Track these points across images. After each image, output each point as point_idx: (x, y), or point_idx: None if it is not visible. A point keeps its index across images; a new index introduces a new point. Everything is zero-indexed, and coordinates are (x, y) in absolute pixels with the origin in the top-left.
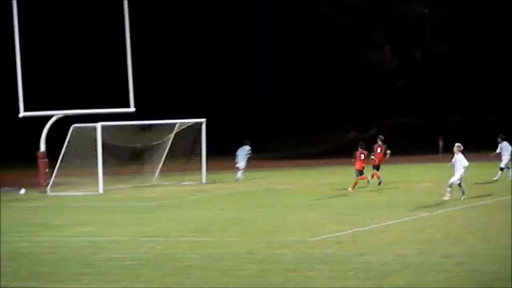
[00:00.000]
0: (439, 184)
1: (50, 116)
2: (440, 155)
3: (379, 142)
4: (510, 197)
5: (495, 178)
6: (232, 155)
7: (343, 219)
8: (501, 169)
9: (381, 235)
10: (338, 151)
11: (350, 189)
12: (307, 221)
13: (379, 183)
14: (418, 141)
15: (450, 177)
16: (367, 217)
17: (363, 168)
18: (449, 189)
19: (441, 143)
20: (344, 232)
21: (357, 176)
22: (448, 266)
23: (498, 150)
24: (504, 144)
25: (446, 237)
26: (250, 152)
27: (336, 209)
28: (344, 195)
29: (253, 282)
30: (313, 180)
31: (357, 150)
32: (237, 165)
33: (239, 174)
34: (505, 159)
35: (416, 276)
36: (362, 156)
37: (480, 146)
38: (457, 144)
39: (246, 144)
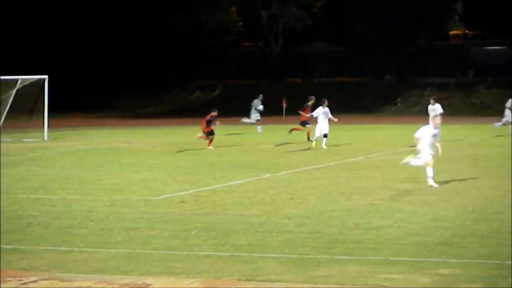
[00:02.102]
0: (281, 146)
1: None
2: (283, 117)
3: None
4: (354, 159)
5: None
6: (75, 112)
7: (186, 179)
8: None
9: (223, 195)
10: (183, 110)
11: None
12: (150, 180)
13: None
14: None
15: (292, 139)
16: (211, 177)
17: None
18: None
19: (284, 105)
20: (187, 191)
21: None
22: (290, 227)
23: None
24: (437, 106)
25: (288, 198)
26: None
27: (179, 169)
28: (189, 154)
29: (94, 240)
30: (157, 139)
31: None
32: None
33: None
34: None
35: (257, 236)
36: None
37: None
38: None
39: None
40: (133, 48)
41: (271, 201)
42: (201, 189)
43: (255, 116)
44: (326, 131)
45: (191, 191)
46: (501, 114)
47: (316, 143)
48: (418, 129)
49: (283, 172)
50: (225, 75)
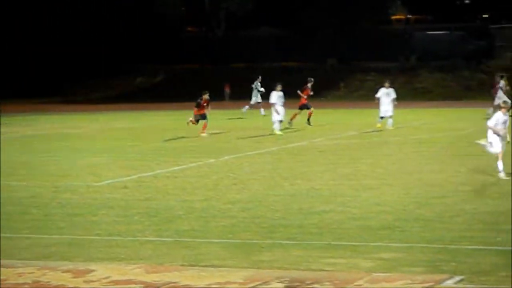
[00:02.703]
0: (227, 131)
1: None
2: (227, 101)
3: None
4: (297, 144)
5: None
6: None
7: (129, 164)
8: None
9: (166, 180)
10: (128, 96)
11: None
12: (95, 166)
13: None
14: (206, 87)
15: (235, 124)
16: (154, 163)
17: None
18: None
19: (227, 91)
20: (130, 177)
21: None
22: (233, 212)
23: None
24: (390, 90)
25: (231, 184)
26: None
27: (123, 154)
28: (134, 140)
29: (38, 226)
30: (102, 125)
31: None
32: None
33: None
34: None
35: (200, 222)
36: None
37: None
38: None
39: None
40: (81, 35)
41: (214, 187)
42: (144, 174)
43: (255, 98)
44: (282, 116)
45: (134, 176)
46: (442, 98)
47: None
48: (361, 113)
49: (226, 157)
50: (168, 60)
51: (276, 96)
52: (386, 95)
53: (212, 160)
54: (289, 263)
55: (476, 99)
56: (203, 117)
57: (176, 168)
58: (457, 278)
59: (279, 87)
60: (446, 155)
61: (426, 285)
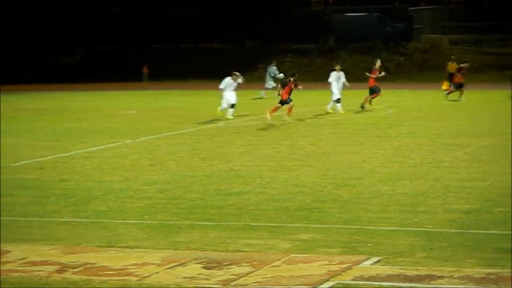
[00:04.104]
0: (142, 111)
1: None
2: (145, 83)
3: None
4: (215, 125)
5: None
6: None
7: (45, 145)
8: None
9: (83, 161)
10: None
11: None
12: (11, 146)
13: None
14: (124, 68)
15: (154, 104)
16: (70, 143)
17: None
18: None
19: (146, 71)
20: (46, 158)
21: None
22: (150, 193)
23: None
24: (341, 74)
25: (148, 164)
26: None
27: (38, 135)
28: (46, 120)
29: None
30: (21, 105)
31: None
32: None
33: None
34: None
35: (118, 203)
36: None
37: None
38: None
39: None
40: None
41: (131, 167)
42: (60, 155)
43: (271, 83)
44: (234, 100)
45: (50, 157)
46: (361, 79)
47: (222, 112)
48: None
49: (143, 138)
50: (88, 41)
51: (229, 82)
52: (337, 79)
53: (129, 141)
54: (207, 244)
55: (394, 81)
56: (288, 100)
57: (93, 148)
58: (374, 259)
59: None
60: (364, 137)
61: (344, 266)
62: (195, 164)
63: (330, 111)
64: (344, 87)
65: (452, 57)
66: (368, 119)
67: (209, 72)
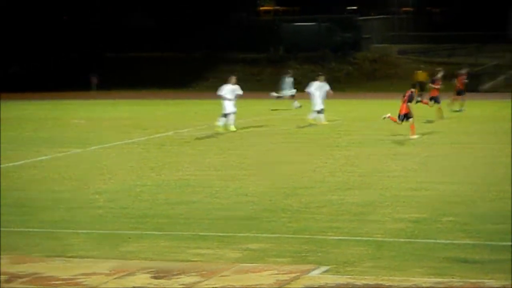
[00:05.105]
0: (92, 121)
1: None
2: (94, 92)
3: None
4: (164, 134)
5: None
6: None
7: None
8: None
9: (33, 170)
10: None
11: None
12: None
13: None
14: (73, 77)
15: (103, 114)
16: (20, 153)
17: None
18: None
19: (95, 81)
20: None
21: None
22: (100, 202)
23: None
24: (324, 83)
25: (98, 174)
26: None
27: None
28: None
29: None
30: None
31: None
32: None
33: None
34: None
35: (67, 212)
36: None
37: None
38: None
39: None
40: None
41: (82, 177)
42: (11, 164)
43: (288, 91)
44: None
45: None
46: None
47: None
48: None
49: (93, 148)
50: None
51: (225, 89)
52: (319, 88)
53: (79, 150)
54: (156, 254)
55: (344, 91)
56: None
57: (43, 158)
58: (323, 268)
59: (233, 79)
60: (314, 147)
61: (293, 275)
62: (144, 173)
63: (312, 121)
64: (327, 96)
65: (422, 66)
66: (319, 129)
67: (159, 82)
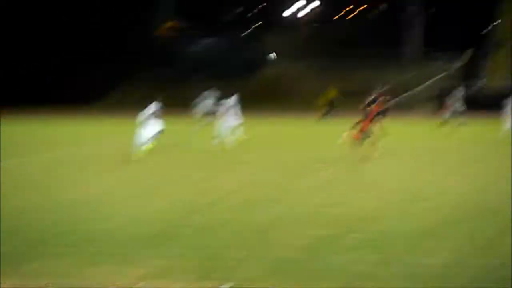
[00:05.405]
0: None
1: None
2: None
3: None
4: (65, 152)
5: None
6: None
7: None
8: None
9: None
10: None
11: None
12: None
13: None
14: None
15: None
16: None
17: None
18: None
19: None
20: None
21: None
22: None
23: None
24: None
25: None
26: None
27: None
28: None
29: None
30: None
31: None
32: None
33: None
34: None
35: None
36: None
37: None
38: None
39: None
40: None
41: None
42: None
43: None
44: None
45: None
46: None
47: None
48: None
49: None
50: None
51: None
52: (227, 107)
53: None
54: (56, 274)
55: (247, 108)
56: None
57: None
58: (227, 285)
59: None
60: (218, 163)
61: None
62: (45, 191)
63: (217, 139)
64: (235, 113)
65: (332, 84)
66: (224, 146)
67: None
